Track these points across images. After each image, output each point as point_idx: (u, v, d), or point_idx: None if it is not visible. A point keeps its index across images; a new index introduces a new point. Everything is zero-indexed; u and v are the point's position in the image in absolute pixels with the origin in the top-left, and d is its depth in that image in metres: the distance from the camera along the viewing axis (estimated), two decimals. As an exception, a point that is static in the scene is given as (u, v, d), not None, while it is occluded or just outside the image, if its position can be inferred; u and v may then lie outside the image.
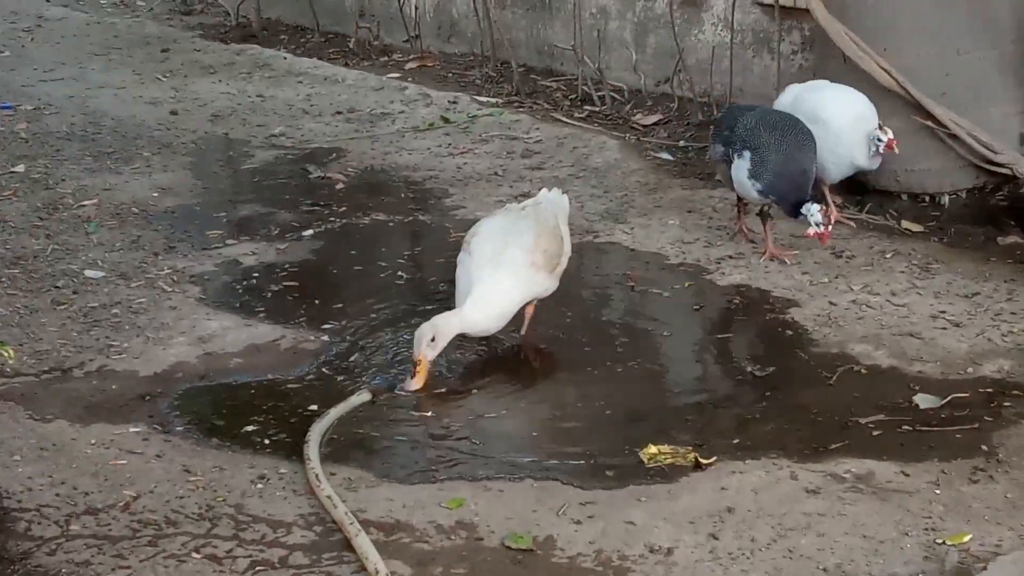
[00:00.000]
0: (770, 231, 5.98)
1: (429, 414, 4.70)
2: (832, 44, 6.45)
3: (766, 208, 5.96)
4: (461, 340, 5.07)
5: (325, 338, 5.32)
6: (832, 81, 6.41)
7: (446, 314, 4.88)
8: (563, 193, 5.50)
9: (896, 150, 5.92)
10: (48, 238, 6.47)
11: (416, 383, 4.80)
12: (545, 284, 5.08)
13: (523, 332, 5.22)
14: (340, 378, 4.97)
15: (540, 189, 5.60)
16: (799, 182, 5.66)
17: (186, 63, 10.18)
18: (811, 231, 5.58)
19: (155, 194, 7.18)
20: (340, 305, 5.64)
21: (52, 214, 6.82)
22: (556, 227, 5.20)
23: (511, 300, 4.95)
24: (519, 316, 5.17)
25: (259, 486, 4.23)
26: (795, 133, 5.76)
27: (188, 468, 4.35)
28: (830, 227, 5.59)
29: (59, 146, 8.03)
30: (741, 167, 5.78)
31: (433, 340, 4.80)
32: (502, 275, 4.90)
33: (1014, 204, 6.11)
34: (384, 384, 4.87)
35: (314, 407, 4.71)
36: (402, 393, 4.79)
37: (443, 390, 4.86)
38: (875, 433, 4.42)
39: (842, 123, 6.00)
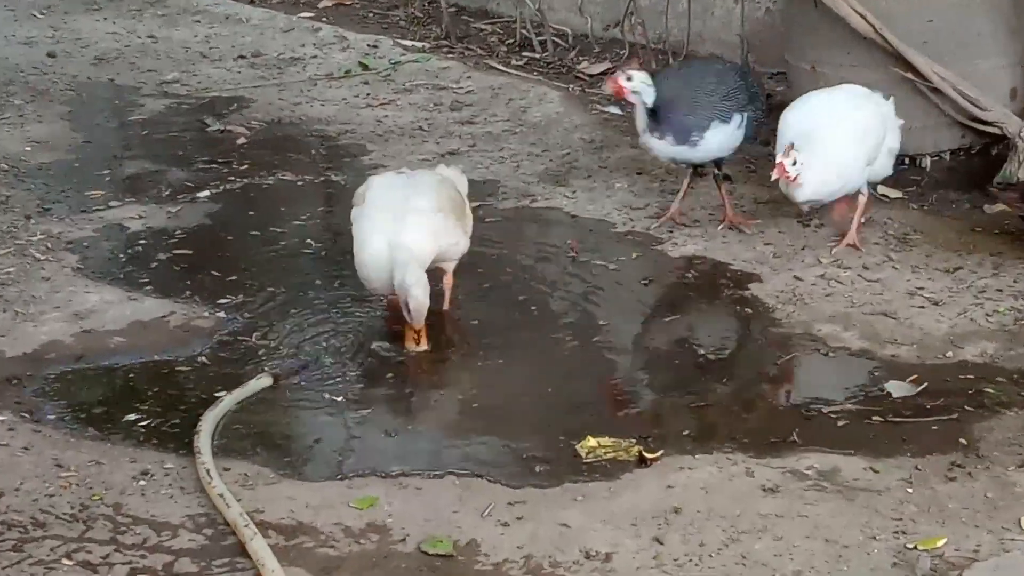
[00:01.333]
0: (728, 196, 6.01)
1: (339, 399, 4.69)
2: (802, -15, 6.48)
3: (722, 170, 5.98)
4: (372, 314, 5.06)
5: (221, 314, 5.30)
6: (802, 29, 6.47)
7: (408, 273, 4.85)
8: (462, 172, 5.61)
9: None
10: (-98, 198, 6.41)
11: (426, 343, 4.95)
12: (455, 235, 5.13)
13: (446, 307, 5.23)
14: (238, 360, 4.95)
15: (471, 147, 5.63)
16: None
17: (66, -3, 10.07)
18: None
19: (28, 148, 7.10)
20: (239, 277, 5.62)
21: (-93, 170, 6.75)
22: (453, 184, 5.31)
23: (425, 252, 4.99)
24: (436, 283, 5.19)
25: (141, 483, 4.20)
26: (705, 74, 5.91)
27: (60, 462, 4.31)
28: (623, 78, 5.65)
29: (-84, 92, 7.95)
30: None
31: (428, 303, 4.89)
32: (411, 224, 4.95)
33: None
34: (288, 366, 4.86)
35: (207, 393, 4.69)
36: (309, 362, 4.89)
37: (355, 373, 4.86)
38: (841, 424, 4.46)
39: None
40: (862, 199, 5.73)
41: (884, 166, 5.83)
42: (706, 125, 5.77)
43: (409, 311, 4.86)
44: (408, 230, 4.95)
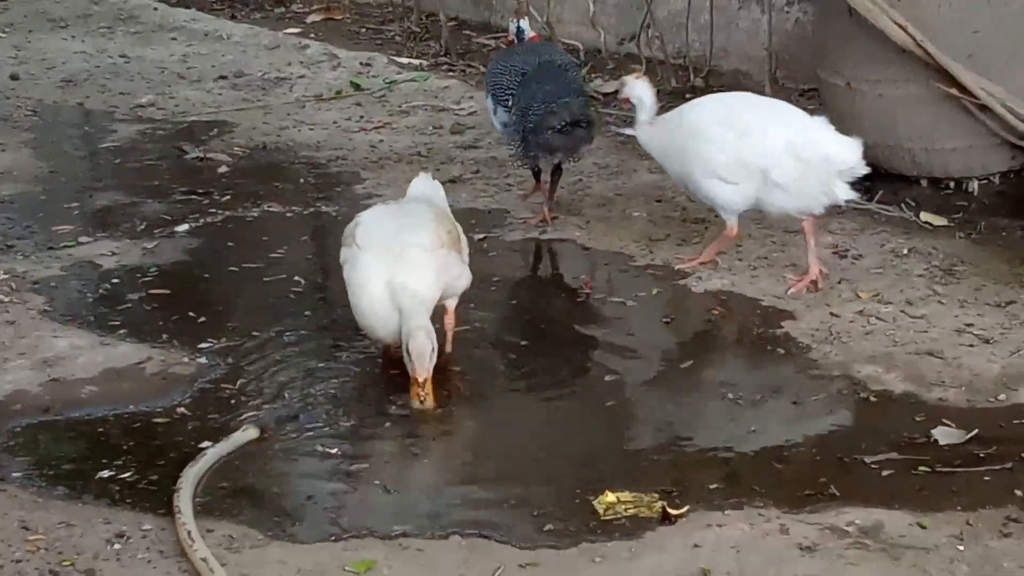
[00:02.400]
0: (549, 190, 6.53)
1: (333, 452, 4.69)
2: (835, -7, 6.52)
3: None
4: (368, 357, 5.08)
5: (202, 360, 5.31)
6: (836, 42, 6.51)
7: (412, 319, 4.87)
8: (435, 180, 5.61)
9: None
10: None
11: (432, 401, 4.85)
12: (457, 269, 5.15)
13: (448, 349, 5.24)
14: (221, 410, 4.95)
15: (474, 174, 5.64)
16: None
17: (30, 14, 10.14)
18: None
19: (-11, 179, 7.15)
20: (221, 319, 5.64)
21: None
22: (448, 215, 5.32)
23: (429, 292, 4.99)
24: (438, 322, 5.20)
25: (117, 546, 4.20)
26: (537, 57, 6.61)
27: (27, 524, 4.31)
28: None
29: None
30: None
31: (434, 351, 4.85)
32: (413, 263, 4.95)
33: None
34: (276, 417, 4.87)
35: (187, 447, 4.69)
36: (295, 412, 4.86)
37: (350, 423, 4.86)
38: (885, 475, 4.46)
39: None
40: (807, 224, 5.73)
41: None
42: None
43: (411, 357, 4.85)
44: (411, 270, 4.94)
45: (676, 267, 5.82)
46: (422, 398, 4.85)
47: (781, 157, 5.61)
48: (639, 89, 6.01)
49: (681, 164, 5.87)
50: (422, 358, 4.82)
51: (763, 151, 5.64)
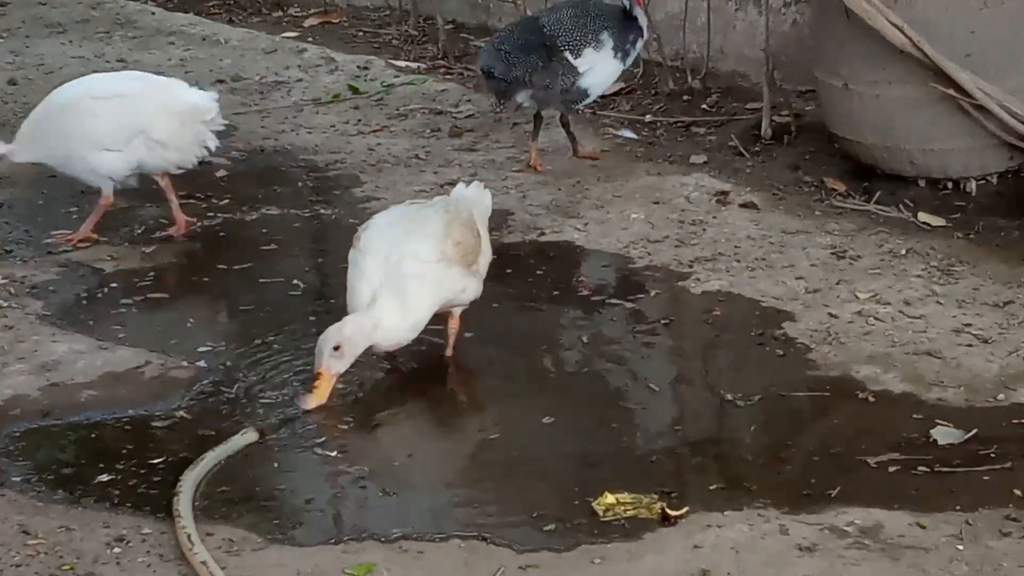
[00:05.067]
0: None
1: (332, 455, 4.69)
2: (832, -5, 6.52)
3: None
4: (368, 358, 5.09)
5: (201, 363, 5.30)
6: (833, 43, 6.51)
7: (357, 316, 4.88)
8: (485, 187, 5.58)
9: None
10: None
11: (314, 400, 4.84)
12: (462, 283, 5.11)
13: (448, 352, 5.24)
14: (220, 414, 4.95)
15: (472, 176, 5.64)
16: None
17: (28, 19, 10.13)
18: None
19: (-14, 184, 7.15)
20: (220, 323, 5.64)
21: None
22: (471, 219, 5.24)
23: (422, 305, 4.98)
24: (440, 327, 5.19)
25: (116, 550, 4.20)
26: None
27: (26, 528, 4.31)
28: None
29: None
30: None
31: (338, 349, 4.82)
32: (406, 275, 4.93)
33: None
34: (275, 420, 4.86)
35: (186, 451, 4.68)
36: (298, 412, 4.85)
37: (349, 425, 4.86)
38: (884, 476, 4.45)
39: None
40: (164, 183, 6.49)
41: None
42: None
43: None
44: (399, 284, 4.92)
45: (62, 243, 6.30)
46: (311, 389, 4.86)
47: (158, 115, 6.27)
48: None
49: (65, 148, 6.27)
50: (320, 352, 4.83)
51: (140, 113, 6.26)
